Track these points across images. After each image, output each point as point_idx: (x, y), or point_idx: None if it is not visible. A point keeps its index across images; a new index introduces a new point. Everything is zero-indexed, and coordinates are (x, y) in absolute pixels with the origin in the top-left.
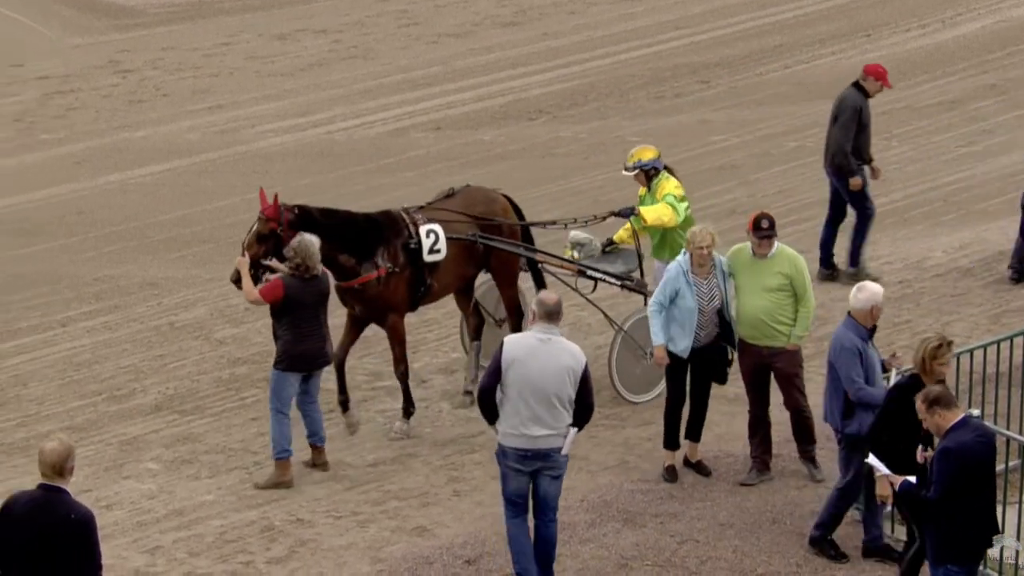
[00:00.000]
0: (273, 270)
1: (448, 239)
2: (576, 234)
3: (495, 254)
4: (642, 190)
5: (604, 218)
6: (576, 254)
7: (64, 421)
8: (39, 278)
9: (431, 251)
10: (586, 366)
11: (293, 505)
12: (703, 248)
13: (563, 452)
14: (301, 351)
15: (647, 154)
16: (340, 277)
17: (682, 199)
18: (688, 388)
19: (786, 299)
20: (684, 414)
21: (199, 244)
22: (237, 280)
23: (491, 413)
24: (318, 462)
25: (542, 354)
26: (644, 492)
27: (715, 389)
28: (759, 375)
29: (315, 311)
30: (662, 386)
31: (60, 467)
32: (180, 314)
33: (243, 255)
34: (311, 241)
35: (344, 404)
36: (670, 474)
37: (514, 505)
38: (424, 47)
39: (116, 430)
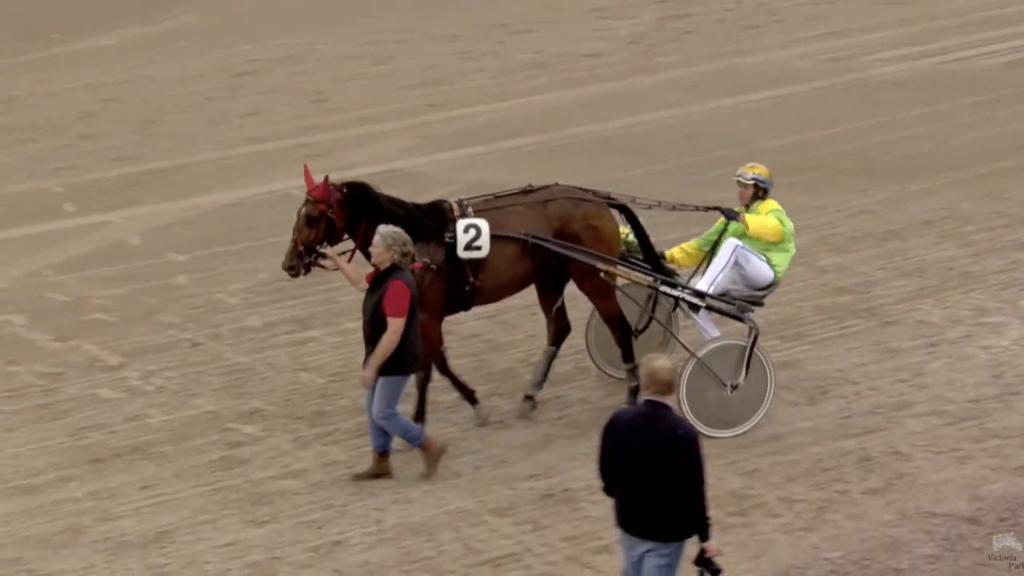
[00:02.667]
0: (325, 256)
1: (494, 236)
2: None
3: (572, 267)
4: (721, 223)
5: (707, 209)
6: None
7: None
8: None
9: (467, 247)
10: None
11: (892, 437)
12: None
13: None
14: (419, 349)
15: (765, 172)
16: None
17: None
18: None
19: None
20: None
21: (807, 171)
22: (292, 267)
23: None
24: (383, 470)
25: None
26: None
27: None
28: None
29: None
30: (748, 424)
31: (670, 384)
32: None
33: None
34: (400, 229)
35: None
36: None
37: None
38: None
39: None
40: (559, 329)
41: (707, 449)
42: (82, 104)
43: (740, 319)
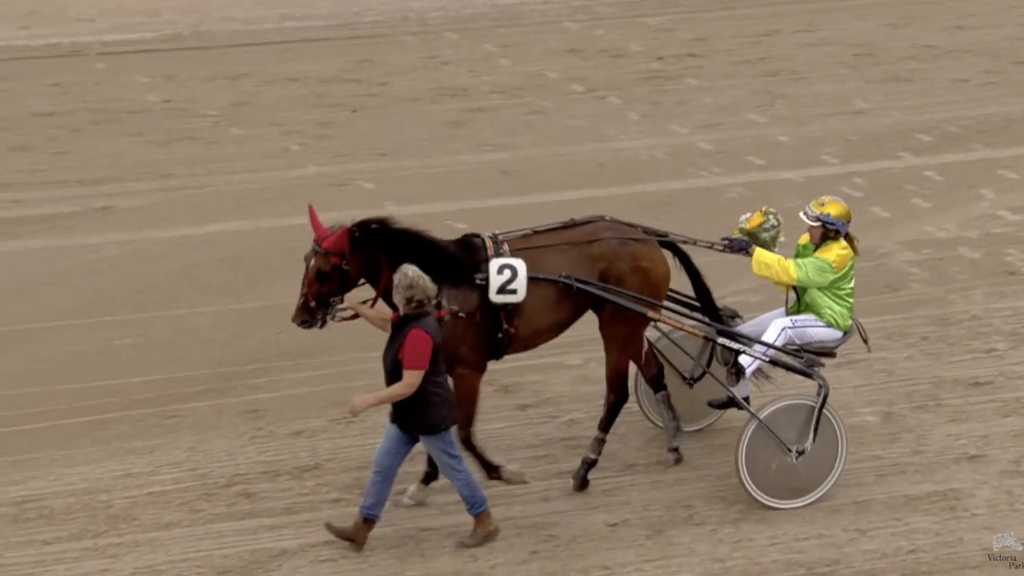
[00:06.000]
0: (343, 308)
1: (532, 279)
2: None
3: (605, 308)
4: (804, 238)
5: (711, 246)
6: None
7: None
8: None
9: (501, 290)
10: None
11: None
12: None
13: None
14: (451, 398)
15: (836, 209)
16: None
17: (836, 270)
18: None
19: None
20: None
21: None
22: (304, 321)
23: None
24: (359, 537)
25: None
26: None
27: None
28: None
29: None
30: (815, 494)
31: None
32: None
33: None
34: (419, 272)
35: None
36: None
37: None
38: None
39: None
40: (655, 374)
41: None
42: None
43: (809, 375)
